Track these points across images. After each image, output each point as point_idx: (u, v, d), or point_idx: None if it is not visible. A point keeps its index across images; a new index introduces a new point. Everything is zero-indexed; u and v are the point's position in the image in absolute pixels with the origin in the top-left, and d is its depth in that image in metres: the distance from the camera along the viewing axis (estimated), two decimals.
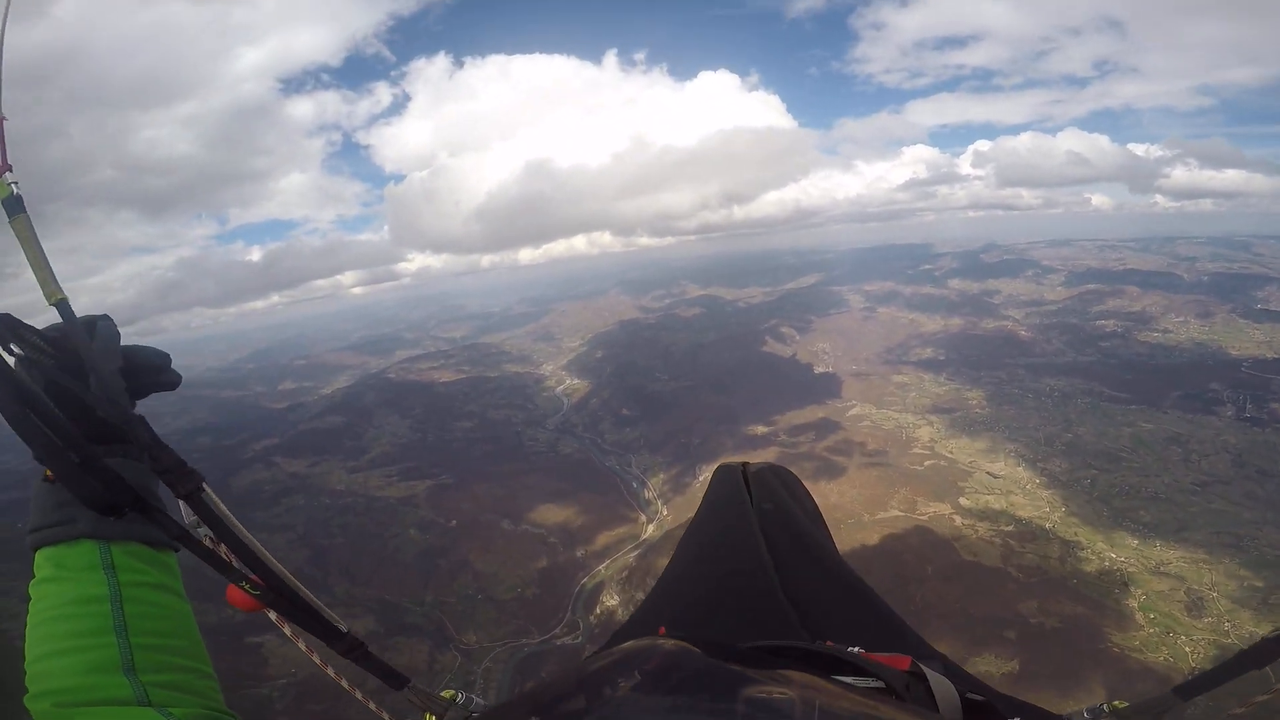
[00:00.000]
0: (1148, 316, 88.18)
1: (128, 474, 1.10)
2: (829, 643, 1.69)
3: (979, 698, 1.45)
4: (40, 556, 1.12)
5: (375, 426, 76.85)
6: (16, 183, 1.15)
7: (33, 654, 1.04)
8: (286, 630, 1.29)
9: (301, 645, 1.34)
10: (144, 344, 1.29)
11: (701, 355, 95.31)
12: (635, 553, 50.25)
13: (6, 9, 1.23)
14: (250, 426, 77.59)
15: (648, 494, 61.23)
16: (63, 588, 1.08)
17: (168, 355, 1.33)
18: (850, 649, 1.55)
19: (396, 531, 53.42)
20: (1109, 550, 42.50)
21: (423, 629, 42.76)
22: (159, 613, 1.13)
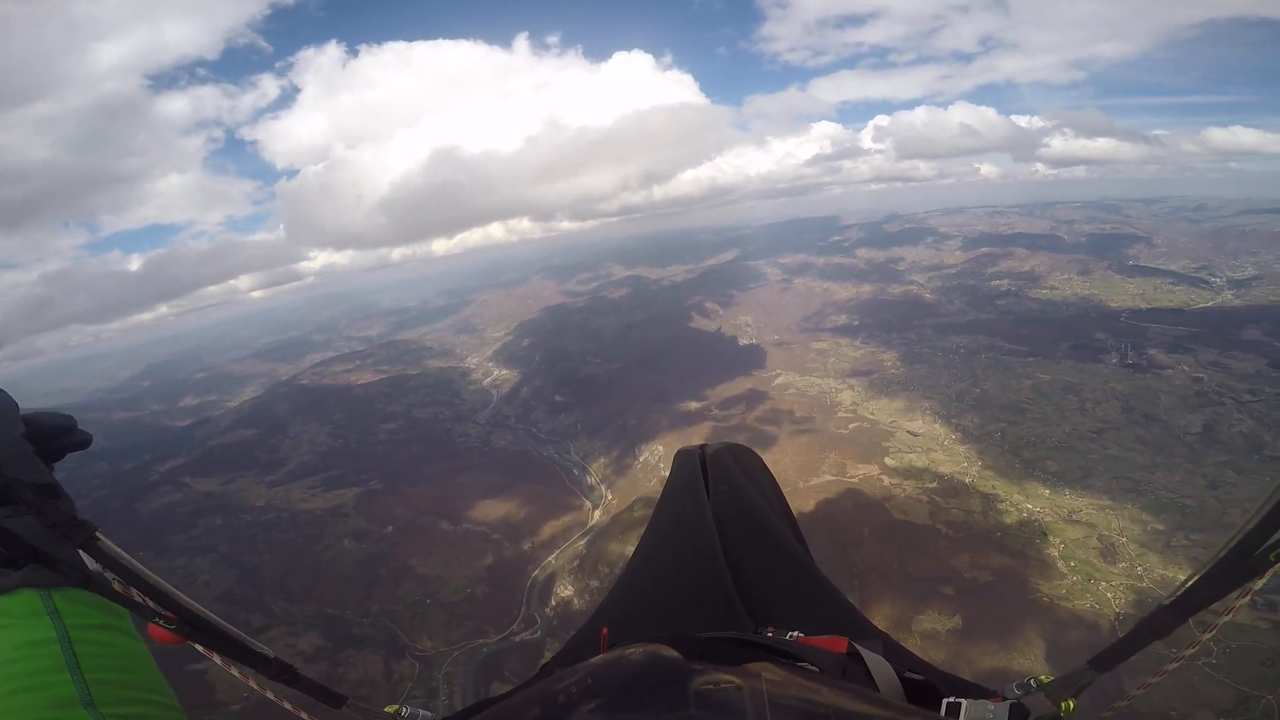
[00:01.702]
0: (1036, 275, 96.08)
1: (20, 529, 1.14)
2: (770, 630, 1.73)
3: (918, 676, 1.50)
4: None
5: (291, 437, 72.07)
6: None
7: None
8: (216, 659, 1.29)
9: (234, 671, 1.33)
10: (44, 409, 1.31)
11: (631, 335, 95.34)
12: (584, 540, 49.77)
13: None
14: (151, 448, 70.93)
15: (590, 480, 60.76)
16: (11, 633, 1.12)
17: (72, 417, 1.34)
18: (789, 634, 1.61)
19: (329, 543, 50.47)
20: (1025, 501, 45.12)
21: (374, 640, 40.78)
22: (110, 651, 1.17)
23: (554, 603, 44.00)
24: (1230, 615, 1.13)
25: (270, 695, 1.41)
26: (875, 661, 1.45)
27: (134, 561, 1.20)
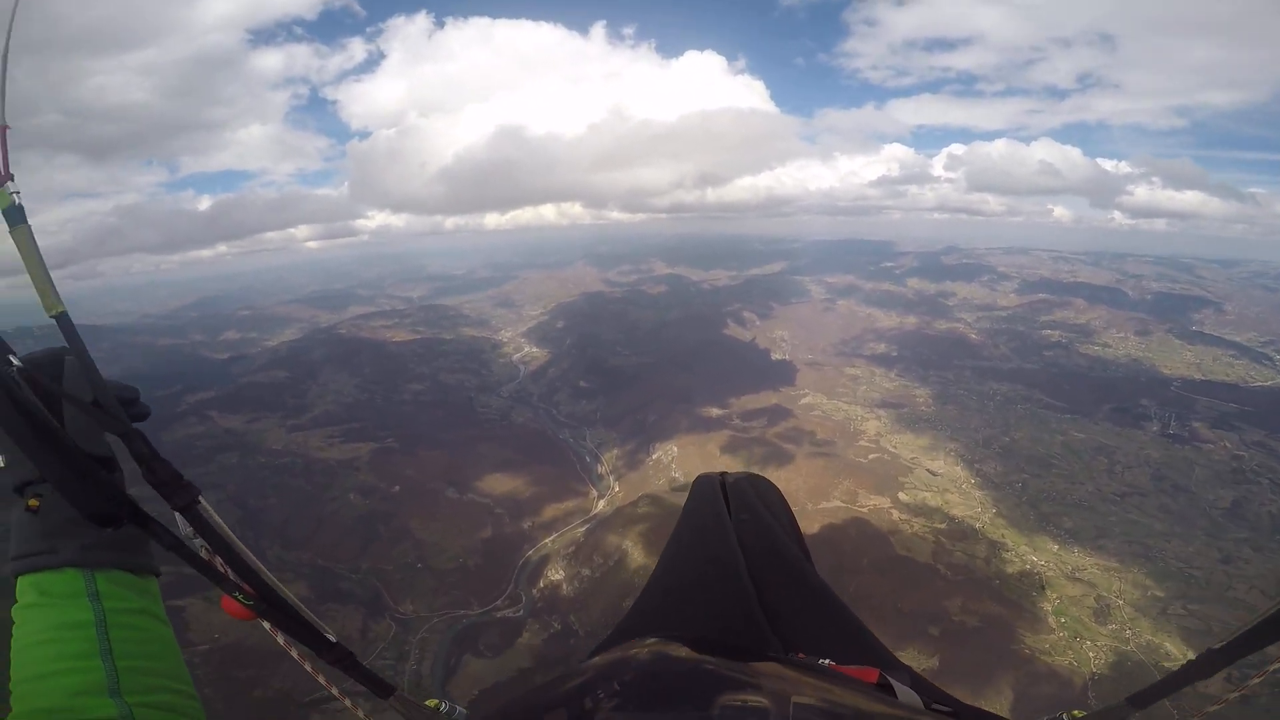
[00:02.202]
0: (1091, 330, 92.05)
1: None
2: (800, 654, 1.77)
3: (946, 709, 1.52)
4: (23, 582, 1.17)
5: (320, 384, 74.20)
6: (18, 193, 1.14)
7: (18, 675, 1.09)
8: (279, 640, 1.32)
9: (294, 654, 1.36)
10: (112, 379, 1.28)
11: (664, 333, 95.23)
12: (584, 527, 50.05)
13: (14, 13, 1.22)
14: (186, 377, 73.64)
15: (600, 469, 61.14)
16: (47, 613, 1.13)
17: (136, 389, 1.33)
18: (821, 661, 1.62)
19: (335, 495, 51.79)
20: (1031, 553, 44.36)
21: (357, 596, 41.70)
22: (142, 637, 1.18)
23: (542, 584, 44.40)
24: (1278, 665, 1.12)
25: (321, 680, 1.45)
26: (905, 693, 1.47)
27: (228, 531, 1.22)
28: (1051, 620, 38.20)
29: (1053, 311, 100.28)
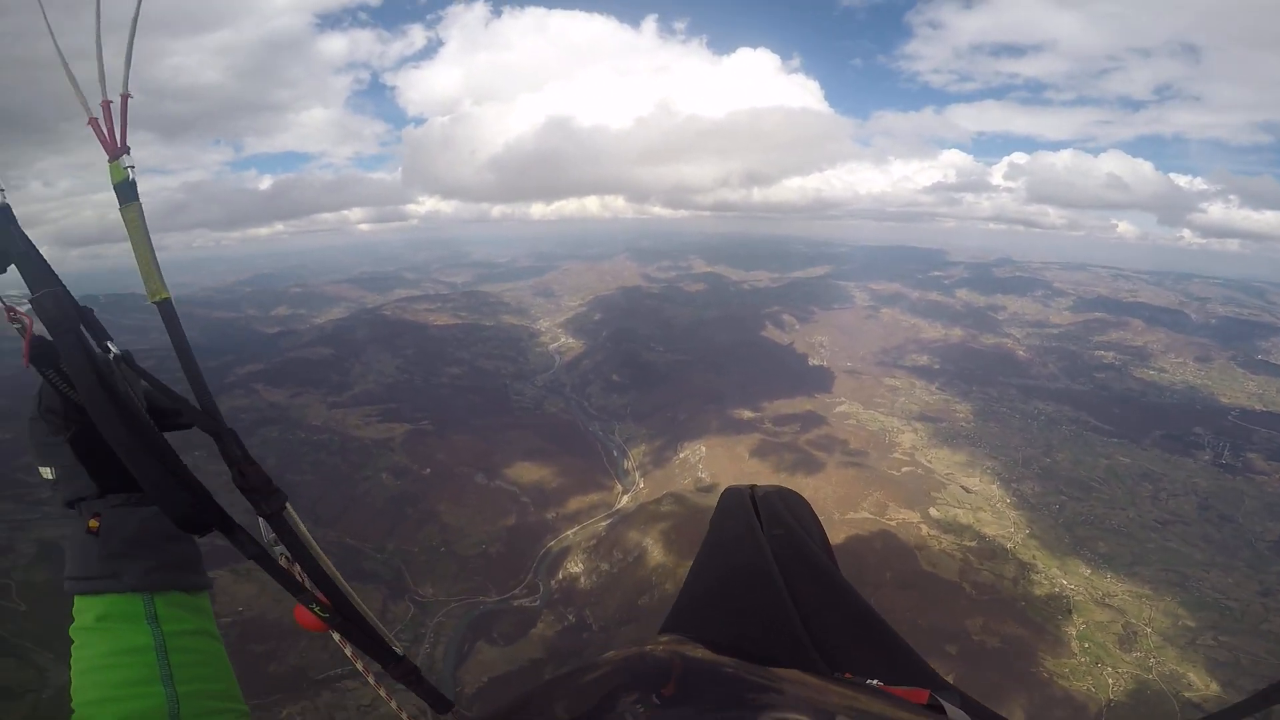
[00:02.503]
0: (1148, 353, 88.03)
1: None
2: (848, 674, 1.72)
3: None
4: (80, 603, 1.16)
5: (363, 363, 76.50)
6: (133, 167, 1.07)
7: (81, 698, 1.09)
8: (347, 651, 1.31)
9: (359, 665, 1.36)
10: (166, 386, 1.27)
11: (700, 331, 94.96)
12: (606, 522, 50.36)
13: None
14: (237, 349, 76.91)
15: (627, 464, 61.47)
16: (107, 637, 1.13)
17: (185, 401, 1.24)
18: (869, 681, 1.56)
19: (368, 474, 53.19)
20: (1061, 576, 43.18)
21: (380, 576, 42.74)
22: (199, 659, 1.19)
23: (561, 576, 44.94)
24: None
25: (382, 693, 1.51)
26: (956, 714, 1.46)
27: (310, 538, 1.22)
28: (1074, 645, 37.26)
29: (1108, 332, 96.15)
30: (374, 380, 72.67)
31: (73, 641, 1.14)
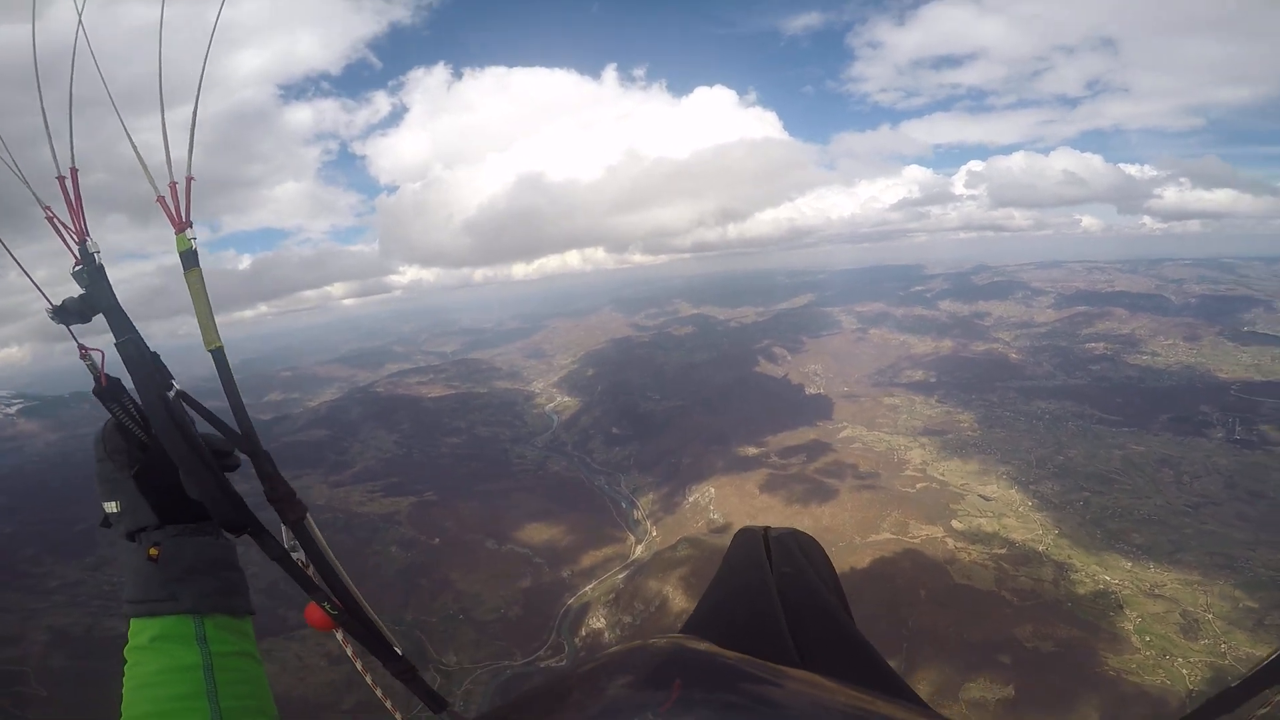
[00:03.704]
0: (1136, 339, 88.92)
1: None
2: None
3: None
4: (137, 624, 1.27)
5: (360, 441, 75.58)
6: (195, 239, 1.27)
7: (130, 713, 1.19)
8: (348, 650, 1.45)
9: (358, 664, 1.50)
10: (212, 432, 1.42)
11: (694, 375, 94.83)
12: (624, 574, 49.32)
13: (203, 69, 1.36)
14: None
15: (637, 514, 60.48)
16: (160, 656, 1.23)
17: (232, 447, 1.43)
18: None
19: (377, 549, 52.01)
20: (1102, 572, 42.11)
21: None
22: (242, 678, 1.28)
23: (584, 632, 43.56)
24: None
25: (379, 693, 1.61)
26: None
27: (325, 546, 1.37)
28: (1135, 639, 36.05)
29: (1094, 324, 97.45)
30: (373, 457, 71.55)
31: (126, 661, 1.24)
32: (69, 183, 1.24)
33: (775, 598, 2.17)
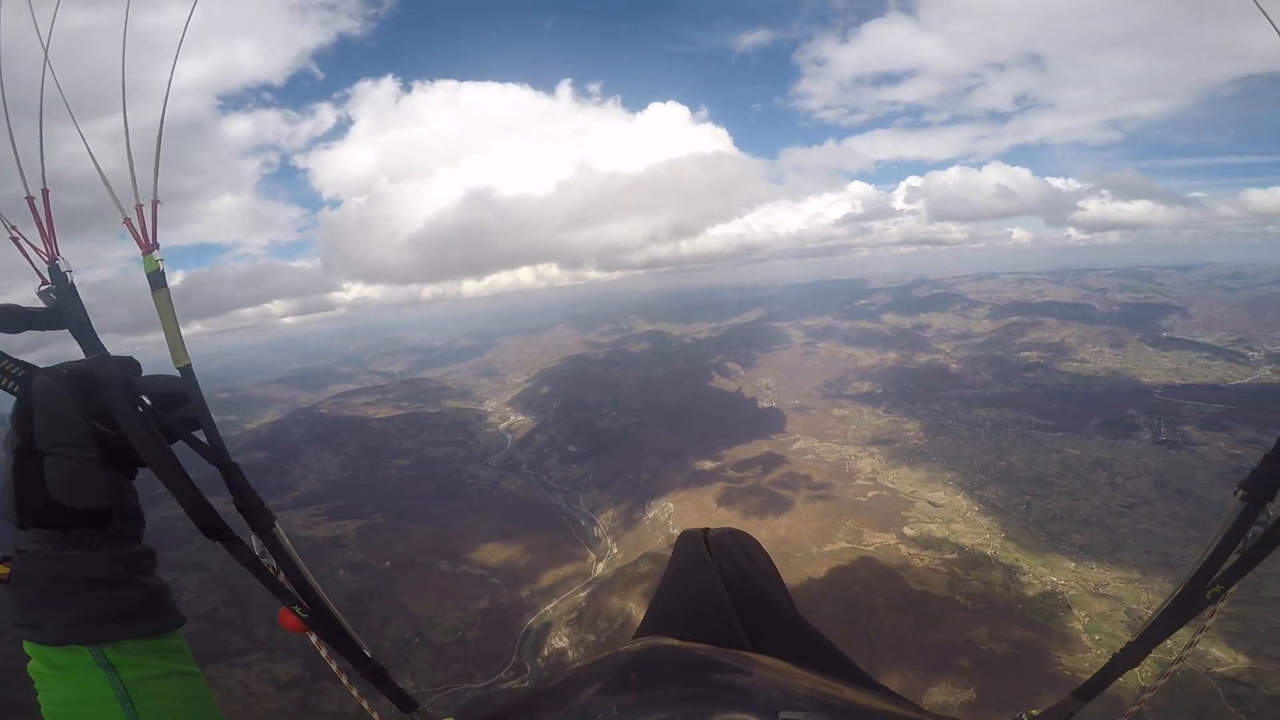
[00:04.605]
0: (1066, 347, 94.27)
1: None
2: None
3: None
4: (28, 646, 1.08)
5: (303, 464, 72.11)
6: (162, 259, 1.28)
7: None
8: (322, 653, 1.47)
9: (333, 666, 1.52)
10: (159, 375, 1.33)
11: (650, 391, 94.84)
12: (585, 592, 48.59)
13: (166, 97, 1.39)
14: None
15: (597, 531, 59.74)
16: (64, 685, 1.06)
17: (187, 387, 1.32)
18: None
19: (324, 572, 49.21)
20: (1049, 574, 43.63)
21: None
22: (173, 704, 1.13)
23: (546, 652, 42.48)
24: (1191, 649, 1.39)
25: (355, 693, 1.57)
26: None
27: (294, 552, 1.36)
28: (1085, 638, 37.25)
29: (1027, 333, 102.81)
30: (316, 480, 68.33)
31: (34, 683, 1.08)
32: (38, 203, 1.22)
33: (723, 591, 2.27)
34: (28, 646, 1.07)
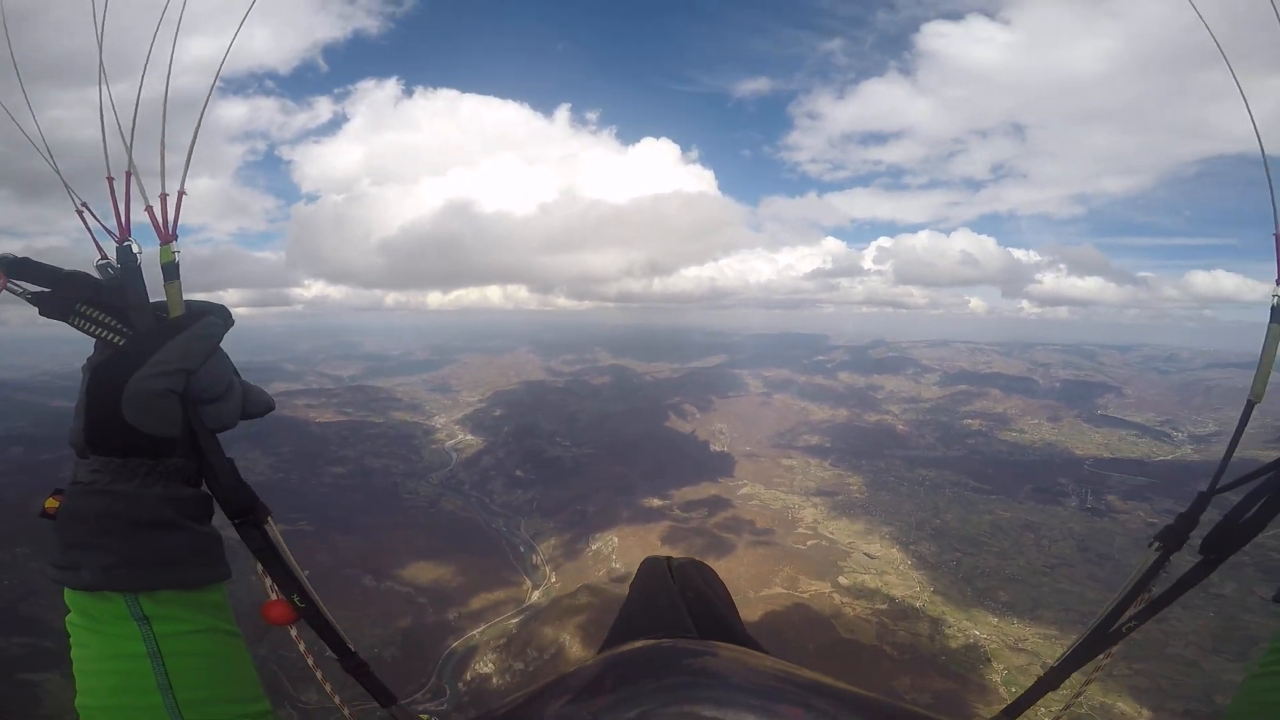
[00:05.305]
0: (1008, 418, 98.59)
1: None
2: None
3: None
4: (67, 595, 1.02)
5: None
6: (178, 251, 1.24)
7: (80, 701, 1.00)
8: (301, 646, 1.46)
9: (310, 661, 1.52)
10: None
11: (607, 424, 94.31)
12: (517, 619, 47.19)
13: (211, 88, 1.37)
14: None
15: (536, 559, 58.37)
16: (97, 638, 1.00)
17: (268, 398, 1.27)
18: None
19: (234, 580, 46.68)
20: (972, 627, 44.54)
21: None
22: (205, 662, 1.04)
23: (469, 677, 40.88)
24: (1099, 673, 1.54)
25: (328, 688, 1.54)
26: None
27: (285, 548, 1.30)
28: (1001, 690, 37.97)
29: (973, 401, 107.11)
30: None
31: (69, 635, 1.03)
32: (118, 184, 1.21)
33: (686, 616, 2.30)
34: (67, 595, 1.01)
